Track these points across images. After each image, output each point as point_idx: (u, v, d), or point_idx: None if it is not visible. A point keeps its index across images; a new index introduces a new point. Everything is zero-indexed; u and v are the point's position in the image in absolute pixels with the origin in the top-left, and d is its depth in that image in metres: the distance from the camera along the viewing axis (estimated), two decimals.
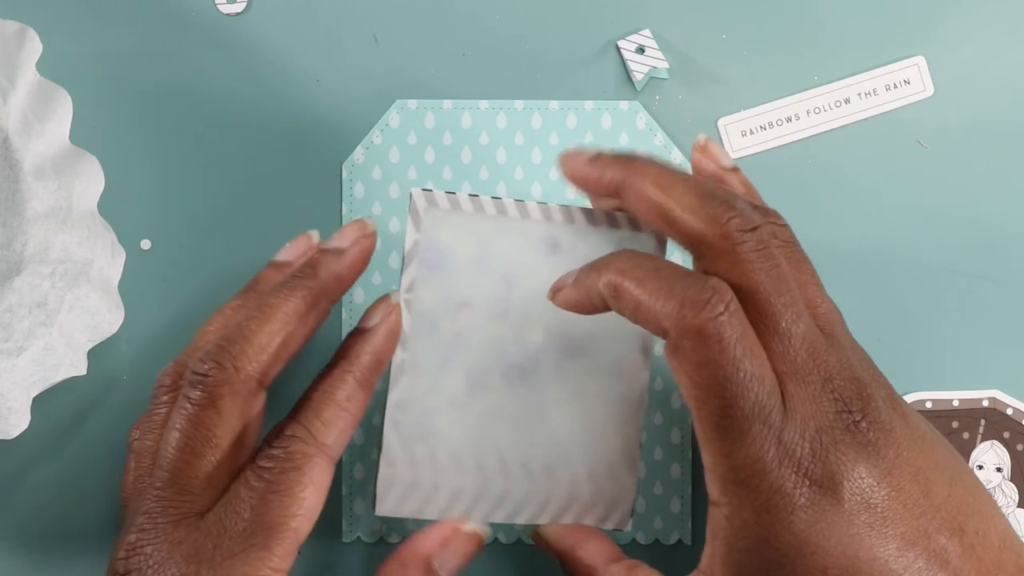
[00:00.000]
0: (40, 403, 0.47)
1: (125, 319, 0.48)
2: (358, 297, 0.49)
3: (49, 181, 0.43)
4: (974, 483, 0.39)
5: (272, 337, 0.40)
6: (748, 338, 0.37)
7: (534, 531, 0.45)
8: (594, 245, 0.44)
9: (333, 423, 0.41)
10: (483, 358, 0.44)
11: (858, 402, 0.37)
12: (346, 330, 0.49)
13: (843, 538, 0.36)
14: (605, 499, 0.45)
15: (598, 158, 0.43)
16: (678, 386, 0.39)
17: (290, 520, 0.39)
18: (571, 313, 0.43)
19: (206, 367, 0.40)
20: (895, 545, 0.36)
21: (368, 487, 0.49)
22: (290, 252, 0.47)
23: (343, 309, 0.49)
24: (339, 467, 0.48)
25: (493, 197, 0.44)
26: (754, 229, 0.39)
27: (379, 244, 0.49)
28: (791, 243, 0.41)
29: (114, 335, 0.48)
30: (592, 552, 0.44)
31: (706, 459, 0.38)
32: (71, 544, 0.49)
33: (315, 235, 0.47)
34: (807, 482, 0.37)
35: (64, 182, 0.44)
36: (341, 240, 0.43)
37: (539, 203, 0.44)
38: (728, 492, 0.37)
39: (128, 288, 0.49)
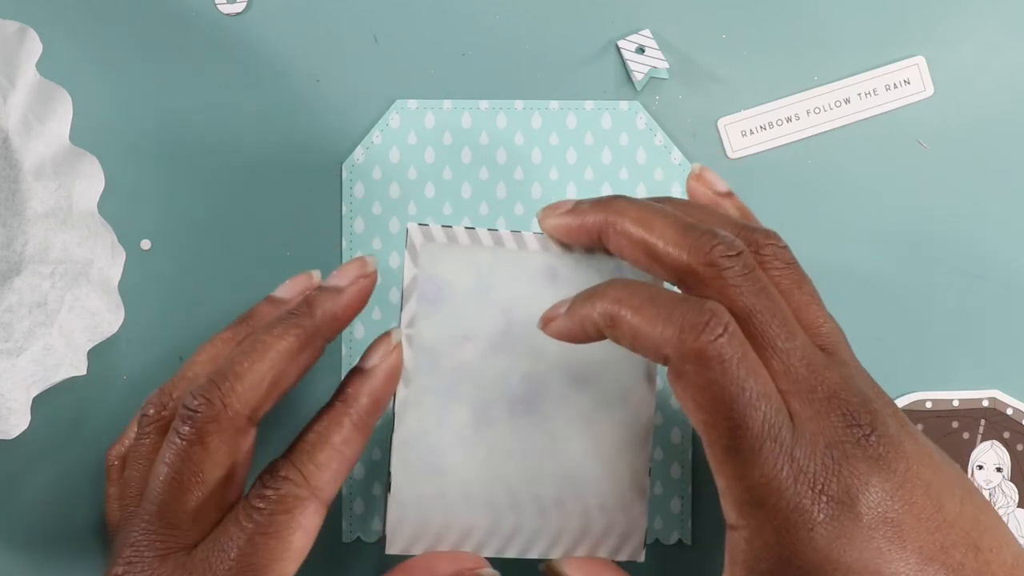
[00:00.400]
0: (40, 403, 0.47)
1: (125, 319, 0.48)
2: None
3: (49, 181, 0.43)
4: (984, 502, 0.39)
5: (263, 375, 0.40)
6: (749, 358, 0.37)
7: (546, 565, 0.44)
8: (592, 273, 0.44)
9: (327, 466, 0.40)
10: (488, 391, 0.44)
11: (866, 415, 0.37)
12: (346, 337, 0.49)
13: (865, 553, 0.36)
14: (617, 530, 0.44)
15: (576, 207, 0.43)
16: (685, 413, 0.39)
17: (275, 563, 0.39)
18: (581, 344, 0.43)
19: (196, 403, 0.40)
20: (915, 560, 0.36)
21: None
22: (288, 289, 0.46)
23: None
24: None
25: (490, 229, 0.44)
26: (739, 254, 0.39)
27: (379, 244, 0.49)
28: (791, 264, 0.41)
29: (114, 335, 0.48)
30: None
31: (720, 483, 0.38)
32: (71, 544, 0.49)
33: (316, 275, 0.47)
34: (824, 498, 0.36)
35: (64, 182, 0.44)
36: (340, 279, 0.43)
37: (536, 233, 0.44)
38: (746, 514, 0.37)
39: (128, 288, 0.49)
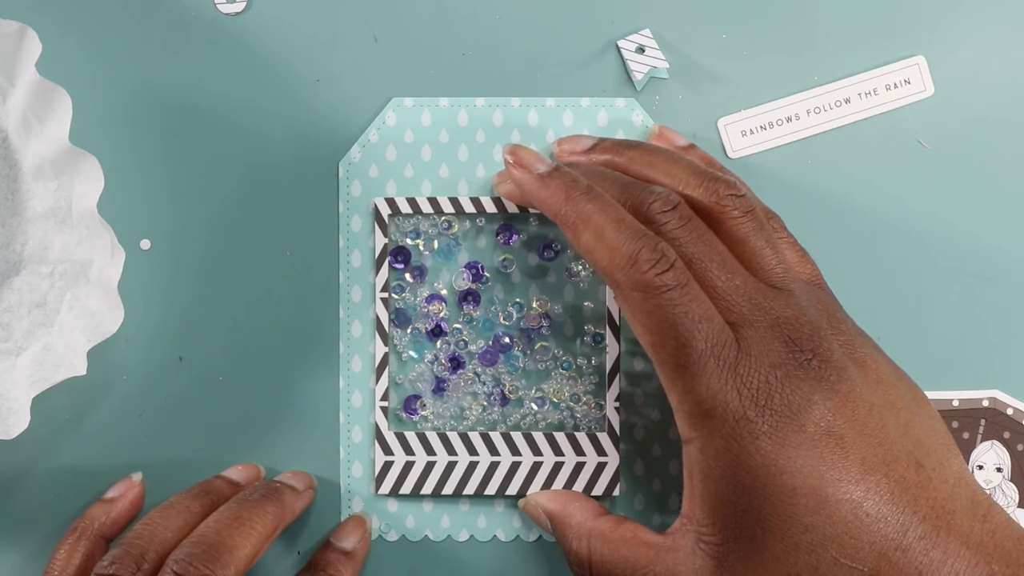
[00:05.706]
0: (40, 403, 0.47)
1: (125, 319, 0.48)
2: (355, 295, 0.49)
3: (49, 181, 0.44)
4: (932, 426, 0.42)
5: (251, 550, 0.43)
6: (692, 287, 0.41)
7: (523, 501, 0.48)
8: (545, 228, 0.48)
9: None
10: (459, 343, 0.49)
11: (809, 343, 0.41)
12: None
13: (809, 460, 0.39)
14: (591, 467, 0.48)
15: (539, 179, 0.45)
16: (635, 334, 0.42)
17: None
18: (542, 294, 0.49)
19: (203, 571, 0.41)
20: (857, 468, 0.39)
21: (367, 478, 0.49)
22: (241, 474, 0.49)
23: (341, 307, 0.49)
24: (338, 464, 0.49)
25: (450, 197, 0.48)
26: (674, 208, 0.43)
27: (374, 242, 0.49)
28: (749, 212, 0.44)
29: (114, 335, 0.48)
30: (581, 509, 0.46)
31: (672, 399, 0.42)
32: None
33: (262, 469, 0.49)
34: (768, 412, 0.40)
35: (64, 182, 0.44)
36: (296, 482, 0.47)
37: (493, 198, 0.48)
38: (697, 426, 0.41)
39: (128, 288, 0.49)
